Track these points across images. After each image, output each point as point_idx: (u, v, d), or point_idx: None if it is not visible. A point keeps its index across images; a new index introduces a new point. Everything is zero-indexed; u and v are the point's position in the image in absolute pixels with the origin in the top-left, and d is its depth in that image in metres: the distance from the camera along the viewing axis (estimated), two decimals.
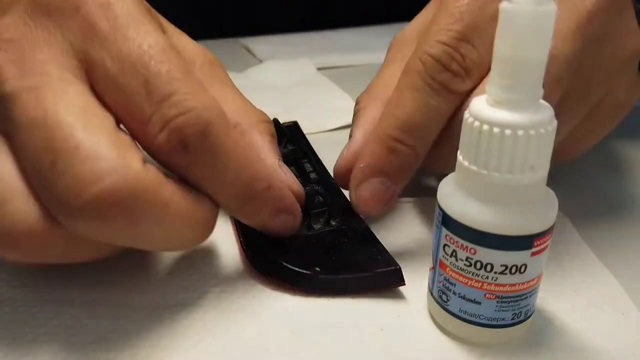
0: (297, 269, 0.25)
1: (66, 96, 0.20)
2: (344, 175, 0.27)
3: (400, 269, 0.25)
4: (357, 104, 0.29)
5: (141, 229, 0.20)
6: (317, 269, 0.25)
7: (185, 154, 0.20)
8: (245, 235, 0.27)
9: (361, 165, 0.25)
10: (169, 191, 0.20)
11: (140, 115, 0.20)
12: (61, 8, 0.20)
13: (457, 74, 0.24)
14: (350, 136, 0.28)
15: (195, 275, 0.26)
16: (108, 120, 0.20)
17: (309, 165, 0.33)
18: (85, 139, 0.19)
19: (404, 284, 0.25)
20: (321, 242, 0.27)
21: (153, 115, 0.20)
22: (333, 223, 0.28)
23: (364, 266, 0.25)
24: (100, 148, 0.19)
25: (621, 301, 0.25)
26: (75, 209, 0.18)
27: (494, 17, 0.22)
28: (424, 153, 0.25)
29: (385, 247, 0.26)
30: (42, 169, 0.19)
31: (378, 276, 0.25)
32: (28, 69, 0.20)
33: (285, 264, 0.25)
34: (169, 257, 0.27)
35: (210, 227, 0.23)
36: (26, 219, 0.19)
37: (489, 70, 0.23)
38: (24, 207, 0.20)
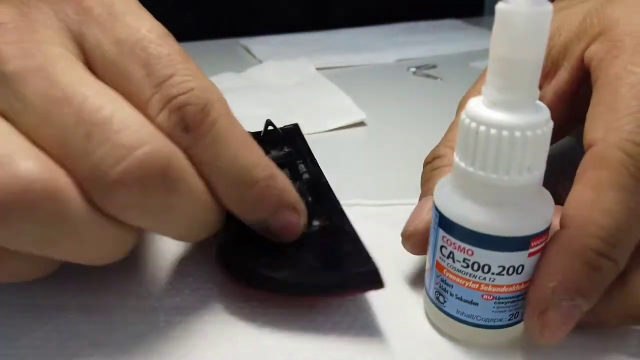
0: (267, 273, 0.23)
1: (78, 72, 0.19)
2: (419, 239, 0.24)
3: (376, 269, 0.22)
4: (437, 157, 0.26)
5: (175, 199, 0.20)
6: (287, 273, 0.23)
7: (186, 135, 0.20)
8: (220, 241, 0.25)
9: (551, 284, 0.20)
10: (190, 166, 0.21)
11: (141, 97, 0.20)
12: None
13: None
14: (425, 194, 0.25)
15: (191, 278, 0.26)
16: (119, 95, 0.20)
17: (302, 167, 0.32)
18: (117, 109, 0.19)
19: (383, 287, 0.22)
20: (300, 243, 0.24)
21: (154, 96, 0.20)
22: (316, 223, 0.26)
23: (340, 267, 0.23)
24: (134, 117, 0.19)
25: None
26: (117, 177, 0.18)
27: None
28: (624, 265, 0.21)
29: (365, 246, 0.24)
30: (74, 143, 0.18)
31: (355, 277, 0.23)
32: (28, 50, 0.19)
33: (256, 268, 0.23)
34: (163, 260, 0.27)
35: (221, 221, 0.23)
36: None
37: None
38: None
